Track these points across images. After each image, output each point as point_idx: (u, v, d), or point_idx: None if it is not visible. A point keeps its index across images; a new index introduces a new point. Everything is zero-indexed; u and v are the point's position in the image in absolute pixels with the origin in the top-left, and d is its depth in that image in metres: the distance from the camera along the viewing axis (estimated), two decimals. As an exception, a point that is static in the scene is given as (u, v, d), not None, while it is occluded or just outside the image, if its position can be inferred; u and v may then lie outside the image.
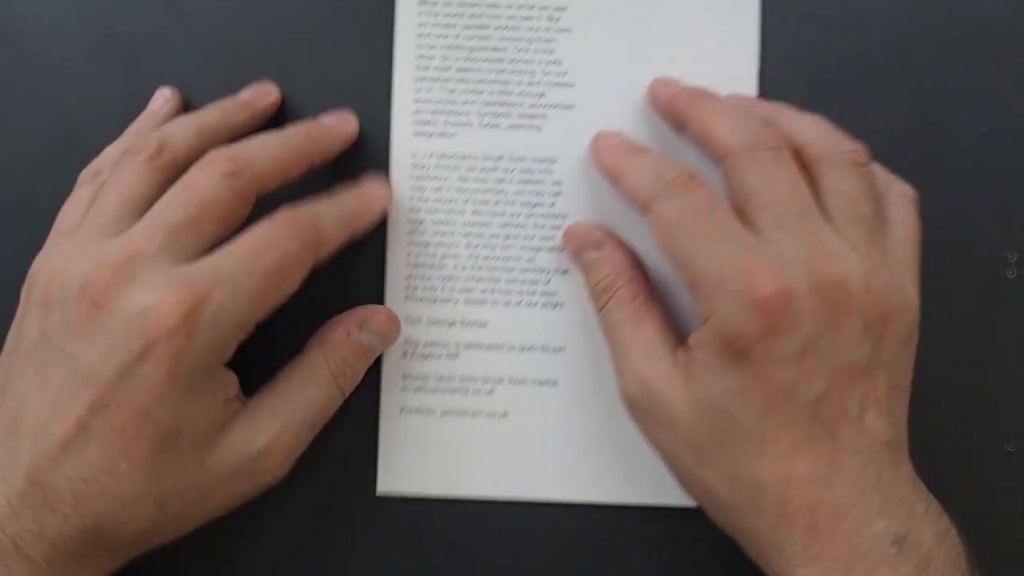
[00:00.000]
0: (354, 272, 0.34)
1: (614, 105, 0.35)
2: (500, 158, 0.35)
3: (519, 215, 0.35)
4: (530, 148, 0.35)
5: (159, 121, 0.34)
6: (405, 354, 0.35)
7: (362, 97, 0.35)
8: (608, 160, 0.33)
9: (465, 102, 0.35)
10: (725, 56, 0.35)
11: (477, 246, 0.35)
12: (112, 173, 0.30)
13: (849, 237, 0.29)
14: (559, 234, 0.35)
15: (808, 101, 0.35)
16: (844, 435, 0.28)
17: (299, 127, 0.33)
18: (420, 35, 0.35)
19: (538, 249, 0.35)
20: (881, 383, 0.29)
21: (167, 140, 0.31)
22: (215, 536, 0.34)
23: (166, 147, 0.30)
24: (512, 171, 0.35)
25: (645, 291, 0.32)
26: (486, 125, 0.35)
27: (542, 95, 0.35)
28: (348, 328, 0.32)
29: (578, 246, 0.34)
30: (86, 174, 0.33)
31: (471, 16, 0.35)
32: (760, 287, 0.27)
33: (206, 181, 0.29)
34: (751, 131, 0.30)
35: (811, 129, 0.32)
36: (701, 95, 0.33)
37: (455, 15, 0.35)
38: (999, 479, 0.35)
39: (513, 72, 0.35)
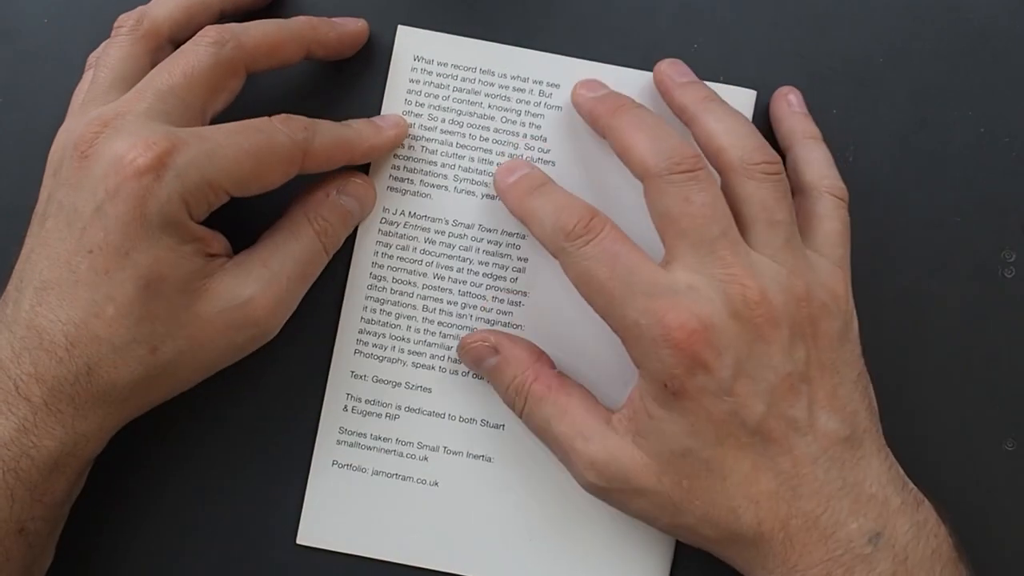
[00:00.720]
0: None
1: (592, 190, 0.35)
2: (470, 226, 0.35)
3: (480, 286, 0.35)
4: (502, 220, 0.35)
5: None
6: (346, 408, 0.34)
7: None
8: (512, 202, 0.33)
9: (444, 165, 0.35)
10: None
11: (433, 310, 0.35)
12: (102, 52, 0.33)
13: (767, 246, 0.30)
14: (515, 310, 0.34)
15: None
16: (799, 445, 0.29)
17: (303, 16, 0.34)
18: (410, 91, 0.35)
19: (493, 323, 0.35)
20: (826, 383, 0.30)
21: (147, 10, 0.33)
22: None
23: (145, 16, 0.33)
24: (480, 240, 0.35)
25: (556, 378, 0.32)
26: (462, 191, 0.35)
27: (522, 169, 0.35)
28: (327, 191, 0.33)
29: (475, 357, 0.33)
30: (90, 59, 0.35)
31: (463, 80, 0.35)
32: (674, 327, 0.28)
33: (192, 50, 0.31)
34: (669, 150, 0.30)
35: (731, 131, 0.31)
36: (621, 105, 0.32)
37: (448, 76, 0.35)
38: (998, 478, 0.35)
39: (496, 142, 0.35)
